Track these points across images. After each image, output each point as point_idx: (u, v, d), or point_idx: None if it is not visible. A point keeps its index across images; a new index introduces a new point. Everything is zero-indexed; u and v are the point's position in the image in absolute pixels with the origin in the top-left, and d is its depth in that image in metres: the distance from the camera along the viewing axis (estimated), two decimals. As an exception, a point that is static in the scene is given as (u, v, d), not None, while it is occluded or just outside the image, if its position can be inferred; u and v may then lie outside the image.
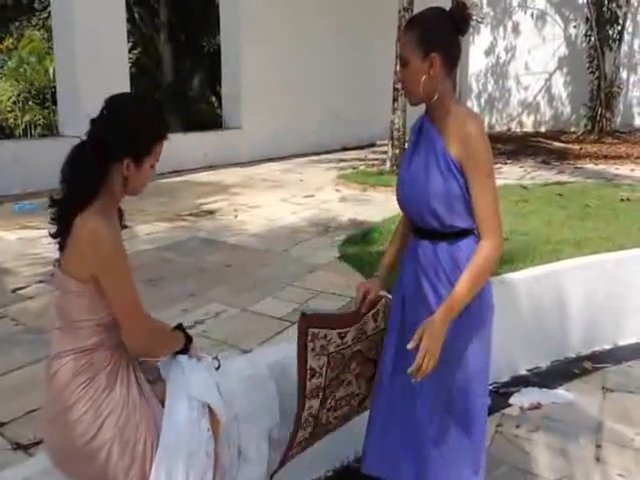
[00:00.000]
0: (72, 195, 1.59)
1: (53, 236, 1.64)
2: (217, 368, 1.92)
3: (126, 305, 1.61)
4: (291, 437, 2.00)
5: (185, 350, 1.80)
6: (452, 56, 1.73)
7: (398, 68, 8.04)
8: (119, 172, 1.62)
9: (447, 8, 1.76)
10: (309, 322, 1.87)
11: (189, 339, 1.83)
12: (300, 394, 1.92)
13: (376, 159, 10.14)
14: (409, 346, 1.70)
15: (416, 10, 7.41)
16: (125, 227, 1.80)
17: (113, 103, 1.65)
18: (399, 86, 8.19)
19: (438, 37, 1.69)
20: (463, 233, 1.77)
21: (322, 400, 1.99)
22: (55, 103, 10.82)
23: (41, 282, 3.70)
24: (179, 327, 1.86)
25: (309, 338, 1.86)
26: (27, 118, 13.37)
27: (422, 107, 1.83)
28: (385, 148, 9.10)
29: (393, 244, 2.09)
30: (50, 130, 13.03)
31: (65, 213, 1.59)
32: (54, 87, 10.43)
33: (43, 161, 6.77)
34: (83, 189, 1.58)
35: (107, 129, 1.61)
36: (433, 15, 1.74)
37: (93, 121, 1.64)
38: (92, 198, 1.57)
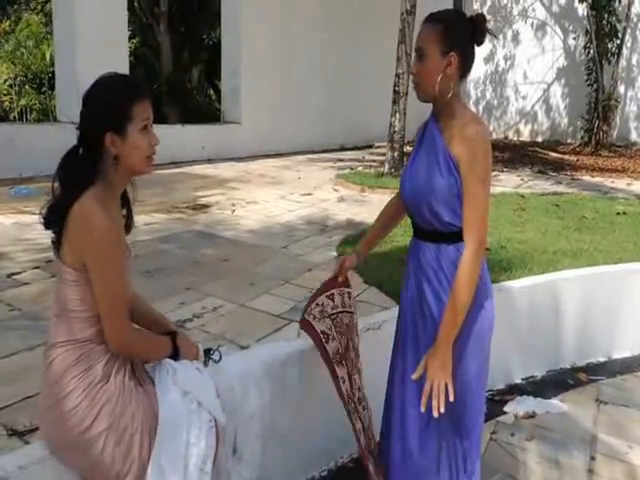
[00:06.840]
0: (66, 186, 1.57)
1: (47, 226, 1.60)
2: (217, 361, 1.89)
3: (109, 296, 1.55)
4: (353, 425, 2.06)
5: (174, 358, 1.75)
6: (468, 60, 1.73)
7: (399, 67, 8.06)
8: (109, 154, 1.57)
9: None
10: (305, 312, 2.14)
11: (177, 349, 1.76)
12: (328, 364, 2.08)
13: (374, 161, 10.14)
14: (413, 377, 1.75)
15: (418, 14, 7.41)
16: (130, 218, 1.77)
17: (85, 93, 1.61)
18: (399, 89, 8.17)
19: (459, 37, 1.69)
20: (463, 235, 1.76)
21: (348, 369, 2.13)
22: (51, 88, 10.74)
23: (37, 268, 3.65)
24: (169, 334, 1.80)
25: (308, 312, 2.12)
26: (23, 102, 13.24)
27: (424, 110, 1.83)
28: (383, 150, 9.09)
29: (377, 222, 2.14)
30: (45, 115, 12.91)
31: (60, 203, 1.57)
32: (51, 72, 10.36)
33: (39, 146, 6.71)
34: (74, 177, 1.56)
35: (81, 117, 1.59)
36: (456, 16, 1.75)
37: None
38: (84, 184, 1.54)
